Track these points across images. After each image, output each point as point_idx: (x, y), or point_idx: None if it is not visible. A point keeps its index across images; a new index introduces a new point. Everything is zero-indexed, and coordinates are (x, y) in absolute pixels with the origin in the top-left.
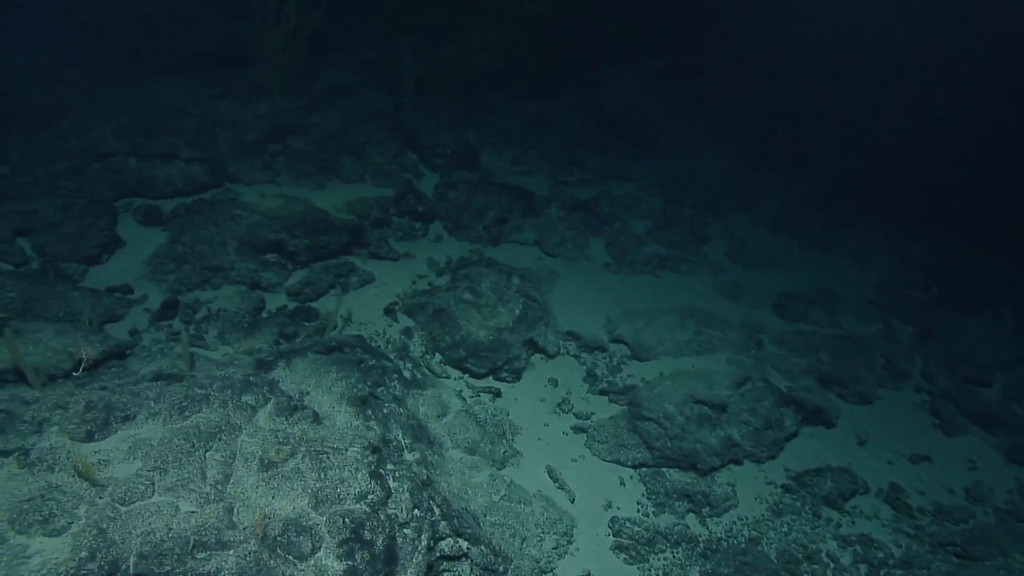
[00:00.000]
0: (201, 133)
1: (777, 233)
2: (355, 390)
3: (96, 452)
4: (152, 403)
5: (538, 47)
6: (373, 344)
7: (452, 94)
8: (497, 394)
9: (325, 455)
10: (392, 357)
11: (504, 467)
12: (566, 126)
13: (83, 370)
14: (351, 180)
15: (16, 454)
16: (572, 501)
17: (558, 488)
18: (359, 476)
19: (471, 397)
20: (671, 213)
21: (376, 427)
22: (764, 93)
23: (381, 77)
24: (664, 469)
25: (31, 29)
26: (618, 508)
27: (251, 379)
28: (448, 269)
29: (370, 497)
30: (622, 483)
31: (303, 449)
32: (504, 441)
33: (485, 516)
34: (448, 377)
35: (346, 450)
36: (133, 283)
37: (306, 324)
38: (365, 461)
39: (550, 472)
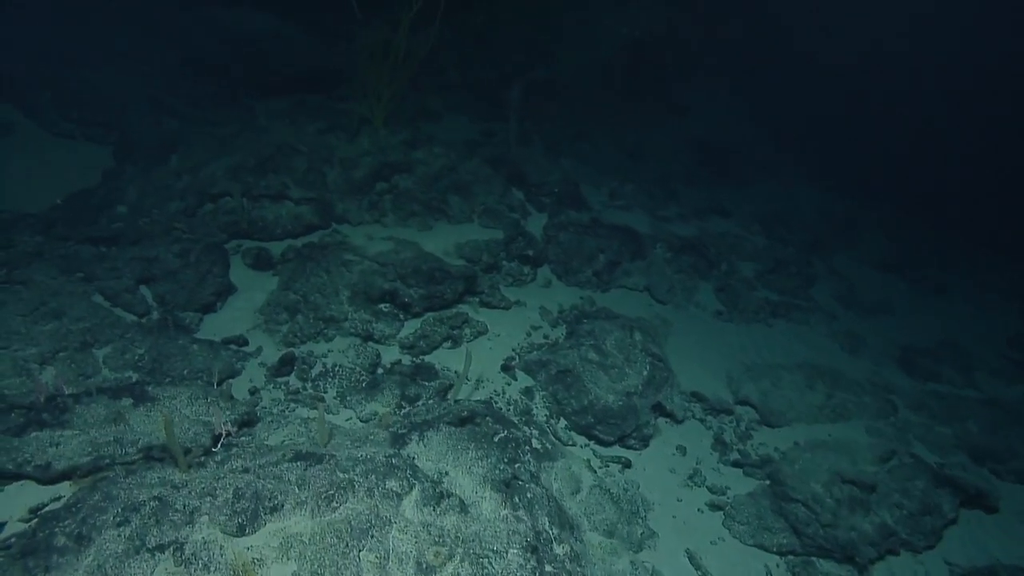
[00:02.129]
0: (310, 172)
1: (885, 272)
2: (497, 472)
3: (249, 548)
4: (296, 489)
5: (629, 71)
6: (496, 406)
7: (541, 120)
8: (627, 465)
9: (486, 559)
10: (518, 423)
11: (642, 550)
12: (659, 155)
13: (220, 445)
14: (458, 221)
15: (172, 548)
16: None
17: None
18: None
19: (600, 468)
20: (776, 253)
21: (525, 517)
22: (852, 117)
23: (467, 101)
24: (815, 559)
25: (131, 53)
26: None
27: (393, 461)
28: (562, 319)
29: None
30: (768, 573)
31: (460, 551)
32: (639, 520)
33: None
34: (574, 444)
35: (506, 552)
36: (247, 333)
37: (426, 384)
38: (528, 567)
39: (690, 557)
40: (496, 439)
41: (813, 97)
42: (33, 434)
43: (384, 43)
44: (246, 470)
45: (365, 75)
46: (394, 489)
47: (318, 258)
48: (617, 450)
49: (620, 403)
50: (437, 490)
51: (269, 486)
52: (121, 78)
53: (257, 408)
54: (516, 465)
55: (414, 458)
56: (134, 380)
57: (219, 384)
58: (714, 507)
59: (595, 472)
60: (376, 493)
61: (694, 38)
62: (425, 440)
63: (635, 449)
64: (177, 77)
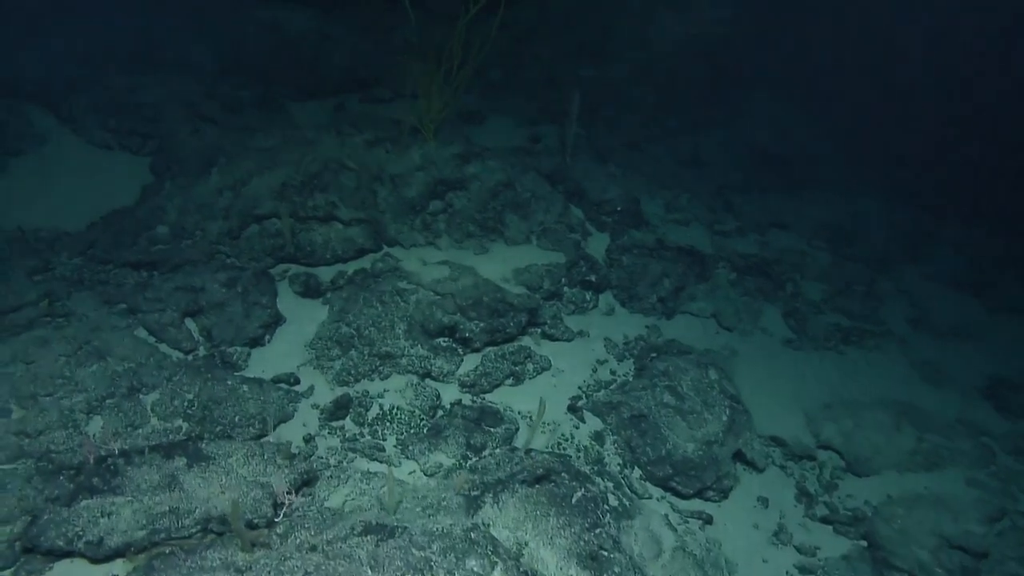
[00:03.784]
0: (360, 189)
1: (959, 292)
2: (582, 543)
3: None
4: (370, 572)
5: (684, 73)
6: (565, 452)
7: (591, 124)
8: (708, 521)
9: None
10: (590, 473)
11: None
12: (715, 163)
13: (283, 516)
14: (516, 242)
15: None
16: None
17: None
18: None
19: (680, 525)
20: (843, 271)
21: None
22: (919, 125)
23: (512, 103)
24: None
25: (168, 56)
26: None
27: (472, 535)
28: (628, 352)
29: None
30: None
31: None
32: None
33: None
34: (650, 497)
35: None
36: (297, 370)
37: (492, 431)
38: None
39: None
40: (574, 500)
41: (878, 104)
42: (84, 502)
43: (437, 47)
44: (313, 548)
45: (416, 82)
46: (475, 570)
47: (371, 287)
48: (696, 503)
49: (700, 453)
50: (520, 569)
51: (340, 569)
52: (157, 83)
53: (313, 459)
54: (598, 531)
55: (490, 525)
56: (184, 432)
57: (273, 429)
58: (804, 571)
59: (675, 530)
60: None
61: (752, 41)
62: (500, 503)
63: (714, 501)
64: (214, 80)
